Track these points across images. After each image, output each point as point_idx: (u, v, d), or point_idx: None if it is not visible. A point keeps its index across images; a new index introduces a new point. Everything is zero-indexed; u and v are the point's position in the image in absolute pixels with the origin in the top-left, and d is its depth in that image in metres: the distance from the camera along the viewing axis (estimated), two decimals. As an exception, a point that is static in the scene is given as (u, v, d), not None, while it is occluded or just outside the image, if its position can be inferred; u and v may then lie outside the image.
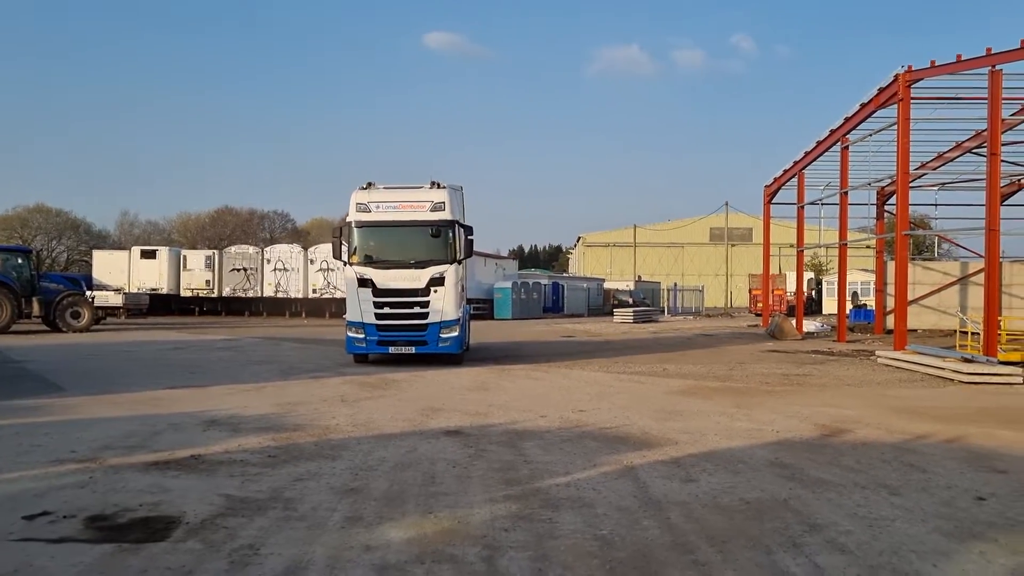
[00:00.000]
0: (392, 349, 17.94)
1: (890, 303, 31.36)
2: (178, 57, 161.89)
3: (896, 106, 23.78)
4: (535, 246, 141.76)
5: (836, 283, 36.69)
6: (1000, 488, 7.51)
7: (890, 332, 28.58)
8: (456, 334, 18.11)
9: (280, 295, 50.55)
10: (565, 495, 7.02)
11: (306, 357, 21.40)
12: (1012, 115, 25.46)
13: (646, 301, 66.93)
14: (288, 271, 50.31)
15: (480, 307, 48.03)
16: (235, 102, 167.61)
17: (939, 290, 34.64)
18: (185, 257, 53.68)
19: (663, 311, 61.88)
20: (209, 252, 55.08)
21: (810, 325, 36.32)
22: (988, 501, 7.03)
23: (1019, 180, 33.99)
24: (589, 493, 7.08)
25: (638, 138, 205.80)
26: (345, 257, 18.27)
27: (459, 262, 18.22)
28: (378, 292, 17.79)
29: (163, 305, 52.02)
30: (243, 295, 51.53)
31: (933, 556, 5.53)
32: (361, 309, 17.82)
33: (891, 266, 30.02)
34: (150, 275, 52.00)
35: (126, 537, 5.84)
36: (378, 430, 10.13)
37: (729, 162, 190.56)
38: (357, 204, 18.11)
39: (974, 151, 29.67)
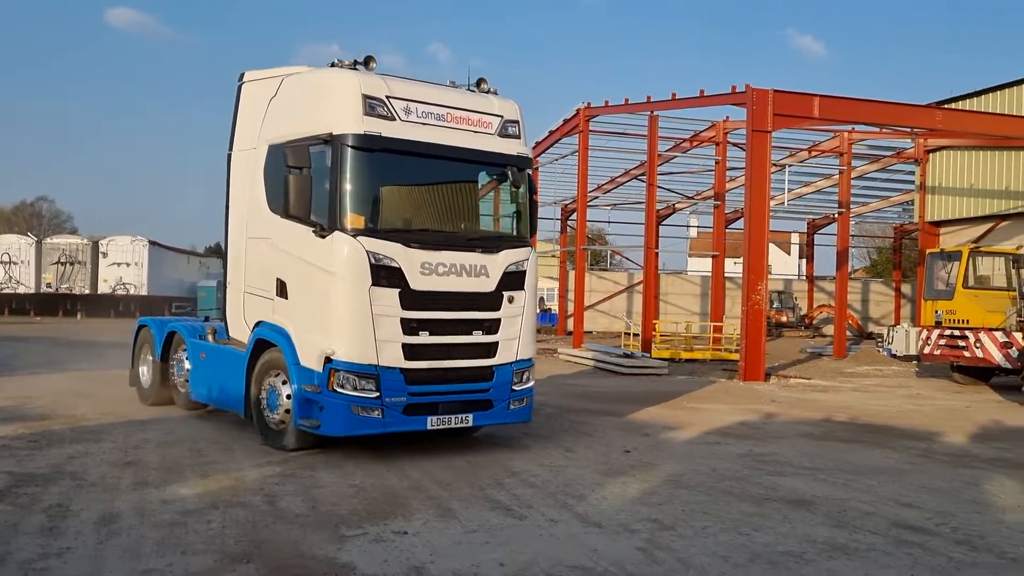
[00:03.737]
0: (434, 421, 8.71)
1: (571, 307, 35.69)
2: None
3: (578, 136, 27.62)
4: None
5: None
6: (641, 445, 10.21)
7: (570, 333, 32.65)
8: (532, 386, 9.71)
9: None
10: (321, 460, 8.61)
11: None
12: (666, 151, 30.37)
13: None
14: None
15: (183, 305, 46.77)
16: None
17: (611, 297, 39.79)
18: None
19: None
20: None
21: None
22: (632, 453, 9.65)
23: (674, 204, 40.00)
24: (347, 459, 8.74)
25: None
26: (319, 215, 8.40)
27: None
28: (414, 298, 8.47)
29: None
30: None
31: (591, 487, 7.86)
32: (376, 335, 8.26)
33: (572, 275, 34.22)
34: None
35: (-66, 505, 6.57)
36: (128, 416, 10.96)
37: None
38: (367, 99, 8.38)
39: (639, 178, 34.74)
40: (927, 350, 19.15)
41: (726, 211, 31.54)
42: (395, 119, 8.53)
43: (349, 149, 8.29)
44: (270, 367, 9.10)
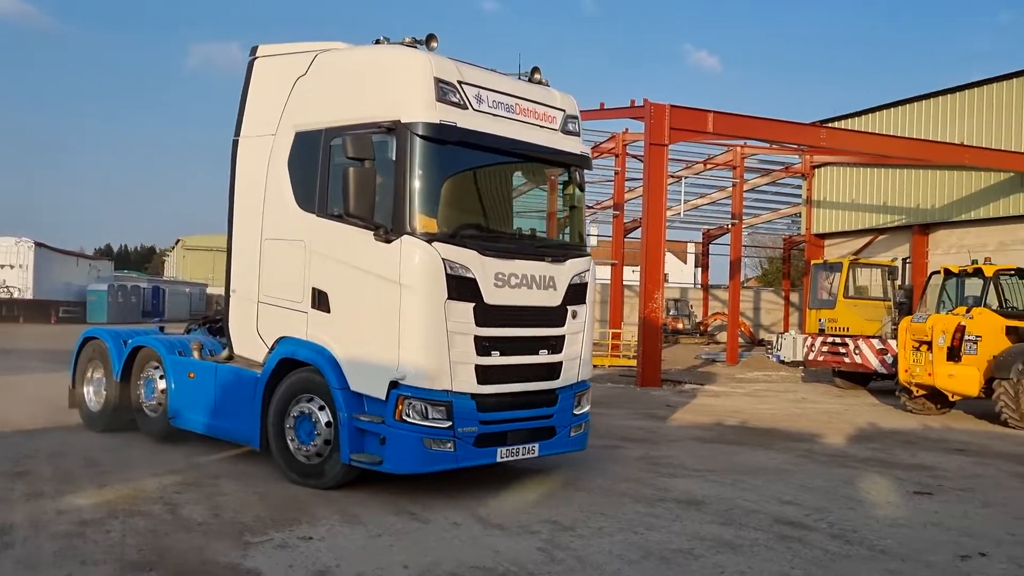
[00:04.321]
0: (503, 452, 7.73)
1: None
2: None
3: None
4: (125, 246, 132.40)
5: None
6: (542, 448, 10.45)
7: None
8: (588, 409, 8.79)
9: None
10: (224, 468, 8.55)
11: None
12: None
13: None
14: None
15: (71, 310, 45.09)
16: None
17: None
18: None
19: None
20: None
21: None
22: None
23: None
24: (251, 467, 8.70)
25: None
26: (380, 216, 7.25)
27: None
28: (488, 313, 7.46)
29: None
30: None
31: (492, 491, 8.06)
32: (450, 355, 7.23)
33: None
34: None
35: None
36: (16, 426, 10.59)
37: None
38: (439, 84, 7.33)
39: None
40: (812, 356, 20.18)
41: (624, 220, 32.41)
42: (467, 108, 7.50)
43: (420, 140, 7.15)
44: (299, 391, 7.83)
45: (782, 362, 21.99)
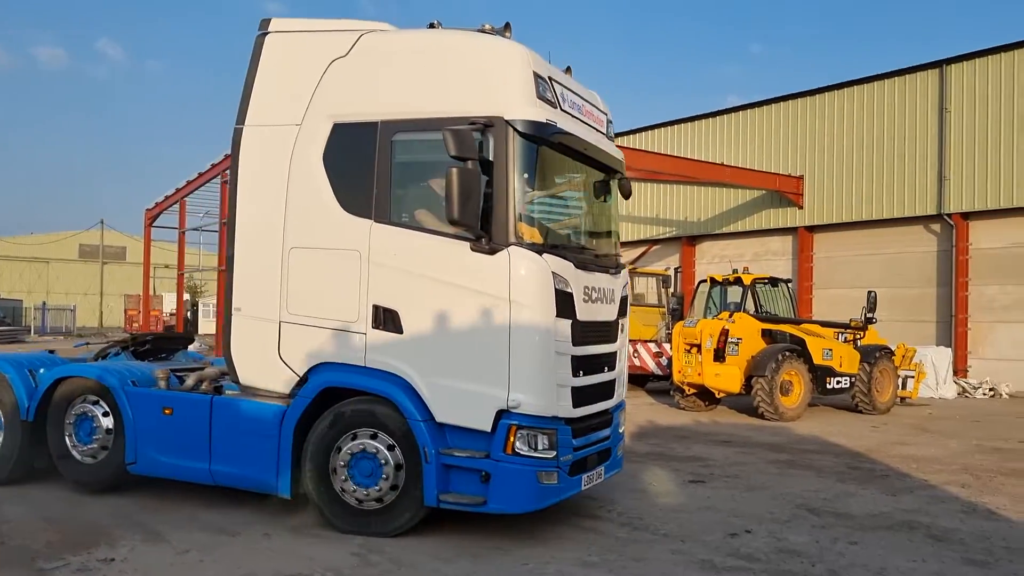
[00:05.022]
0: (585, 480, 7.20)
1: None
2: None
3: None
4: None
5: (214, 305, 39.19)
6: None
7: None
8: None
9: None
10: (5, 495, 7.98)
11: None
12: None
13: (6, 320, 61.11)
14: None
15: None
16: None
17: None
18: None
19: (30, 331, 57.42)
20: None
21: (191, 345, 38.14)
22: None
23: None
24: (35, 491, 8.16)
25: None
26: (503, 226, 6.45)
27: None
28: (580, 331, 6.91)
29: None
30: None
31: (304, 501, 8.08)
32: (558, 377, 6.69)
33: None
34: None
35: None
36: None
37: (107, 179, 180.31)
38: (537, 79, 6.70)
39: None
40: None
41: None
42: (558, 107, 6.89)
43: (522, 139, 6.44)
44: (354, 425, 6.78)
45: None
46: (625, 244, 31.68)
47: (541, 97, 6.63)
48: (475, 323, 6.46)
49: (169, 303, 54.19)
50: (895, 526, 7.56)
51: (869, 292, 17.64)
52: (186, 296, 61.13)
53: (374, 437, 6.70)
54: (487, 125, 6.39)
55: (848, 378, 16.41)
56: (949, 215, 23.18)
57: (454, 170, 6.11)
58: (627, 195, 7.98)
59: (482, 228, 6.33)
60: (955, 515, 8.02)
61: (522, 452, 6.39)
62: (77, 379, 8.11)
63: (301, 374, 7.01)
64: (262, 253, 7.20)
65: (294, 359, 7.04)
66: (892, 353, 17.31)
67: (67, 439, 8.04)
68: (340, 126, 6.94)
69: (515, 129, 6.39)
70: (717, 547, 6.79)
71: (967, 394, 21.04)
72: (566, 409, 6.68)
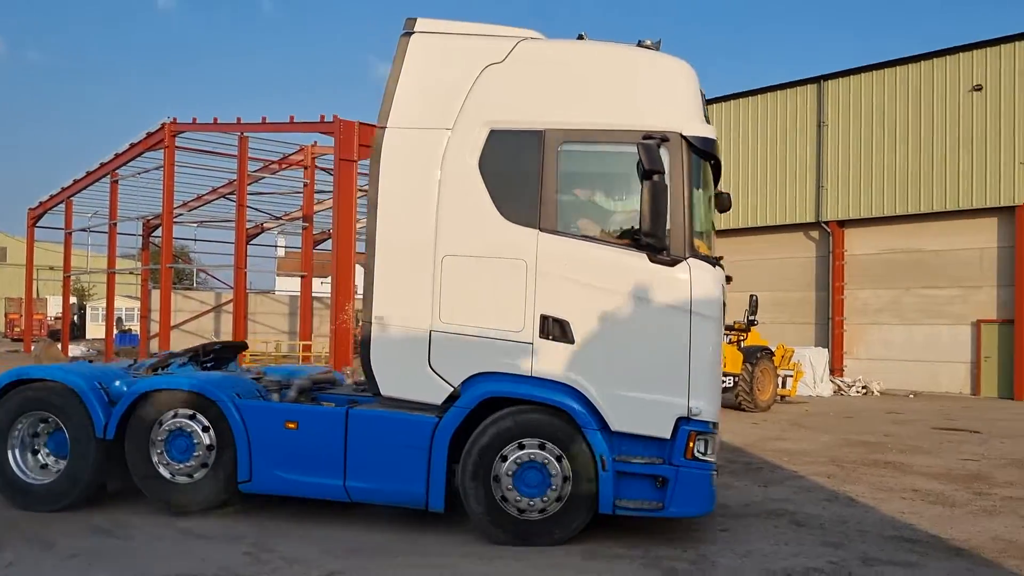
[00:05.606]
0: None
1: (155, 328, 33.97)
2: None
3: (163, 151, 26.63)
4: None
5: (103, 309, 37.90)
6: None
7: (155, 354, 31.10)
8: None
9: None
10: None
11: None
12: (256, 171, 30.49)
13: None
14: None
15: None
16: None
17: (198, 317, 38.52)
18: None
19: None
20: None
21: (76, 350, 36.73)
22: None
23: (262, 224, 39.99)
24: None
25: None
26: (655, 236, 6.57)
27: None
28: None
29: None
30: None
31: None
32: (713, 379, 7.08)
33: (156, 294, 32.66)
34: None
35: None
36: None
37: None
38: (702, 95, 7.27)
39: (227, 196, 34.30)
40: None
41: (314, 232, 32.49)
42: (710, 123, 7.09)
43: (695, 155, 6.72)
44: (519, 435, 6.68)
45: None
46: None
47: (704, 115, 6.97)
48: (652, 333, 6.62)
49: (54, 306, 52.02)
50: (763, 514, 8.14)
51: (751, 296, 18.57)
52: (72, 299, 58.87)
53: (542, 447, 6.65)
54: (663, 139, 6.55)
55: (732, 378, 17.24)
56: (826, 223, 24.56)
57: (647, 184, 6.30)
58: (726, 208, 7.86)
59: (653, 240, 6.46)
60: (819, 503, 8.68)
61: (700, 456, 6.54)
62: (165, 392, 7.50)
63: (456, 384, 6.86)
64: (409, 259, 6.98)
65: (447, 369, 6.88)
66: (772, 354, 18.26)
67: (154, 457, 7.43)
68: (498, 132, 6.90)
69: (690, 144, 6.65)
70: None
71: (842, 392, 22.34)
72: (718, 415, 6.84)
